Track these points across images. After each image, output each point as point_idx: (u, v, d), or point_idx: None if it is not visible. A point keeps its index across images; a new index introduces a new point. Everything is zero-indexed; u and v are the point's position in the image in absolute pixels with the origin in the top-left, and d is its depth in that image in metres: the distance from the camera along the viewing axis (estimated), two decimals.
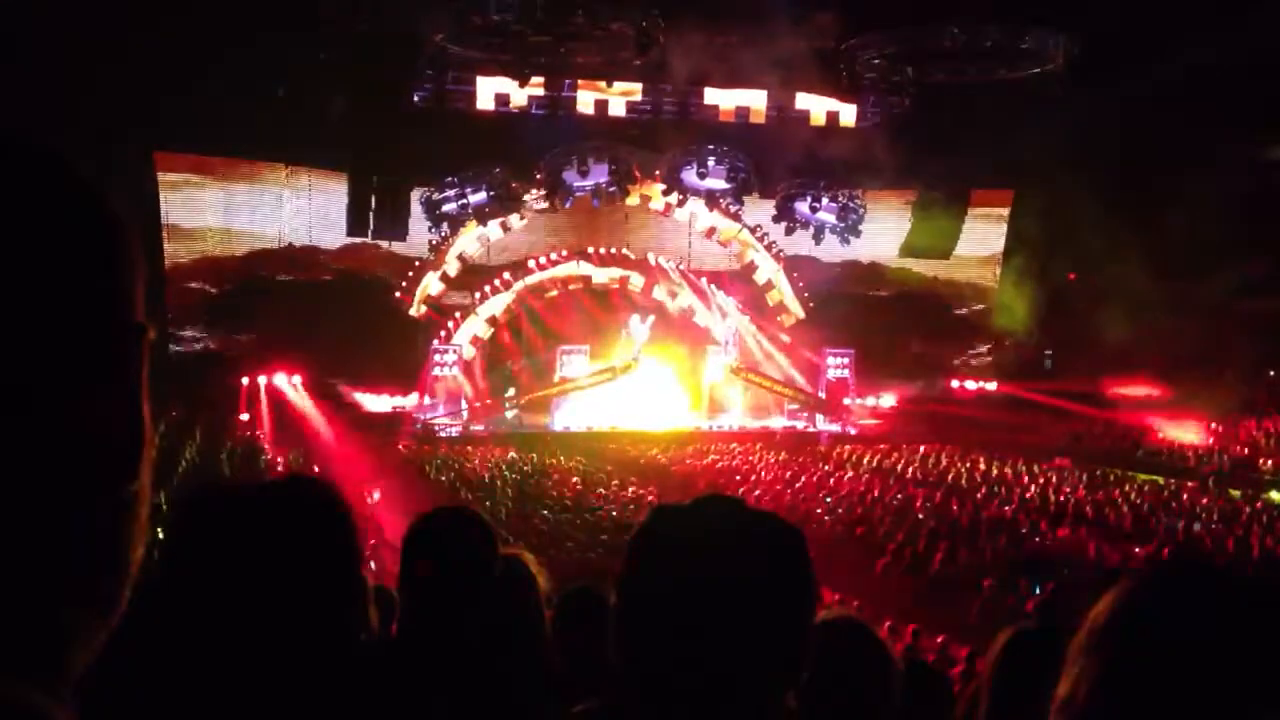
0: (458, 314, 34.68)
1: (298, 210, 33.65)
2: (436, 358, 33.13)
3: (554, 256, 35.38)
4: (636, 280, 35.81)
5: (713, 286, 36.13)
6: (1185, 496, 22.38)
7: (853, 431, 32.68)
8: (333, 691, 1.43)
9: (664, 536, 1.31)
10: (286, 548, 1.38)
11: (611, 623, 1.31)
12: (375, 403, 31.96)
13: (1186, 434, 28.99)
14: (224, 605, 1.33)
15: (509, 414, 32.33)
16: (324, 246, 34.13)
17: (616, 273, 35.82)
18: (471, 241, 34.71)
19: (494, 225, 34.45)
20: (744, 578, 1.25)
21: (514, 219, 34.64)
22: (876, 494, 21.60)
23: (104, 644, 0.59)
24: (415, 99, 32.78)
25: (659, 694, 1.24)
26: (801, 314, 36.25)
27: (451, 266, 34.69)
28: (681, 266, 36.23)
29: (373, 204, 33.15)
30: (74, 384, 0.55)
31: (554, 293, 35.47)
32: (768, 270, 36.53)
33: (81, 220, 0.57)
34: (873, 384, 35.20)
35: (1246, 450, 27.39)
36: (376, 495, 20.63)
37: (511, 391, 32.96)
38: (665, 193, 34.97)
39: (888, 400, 35.06)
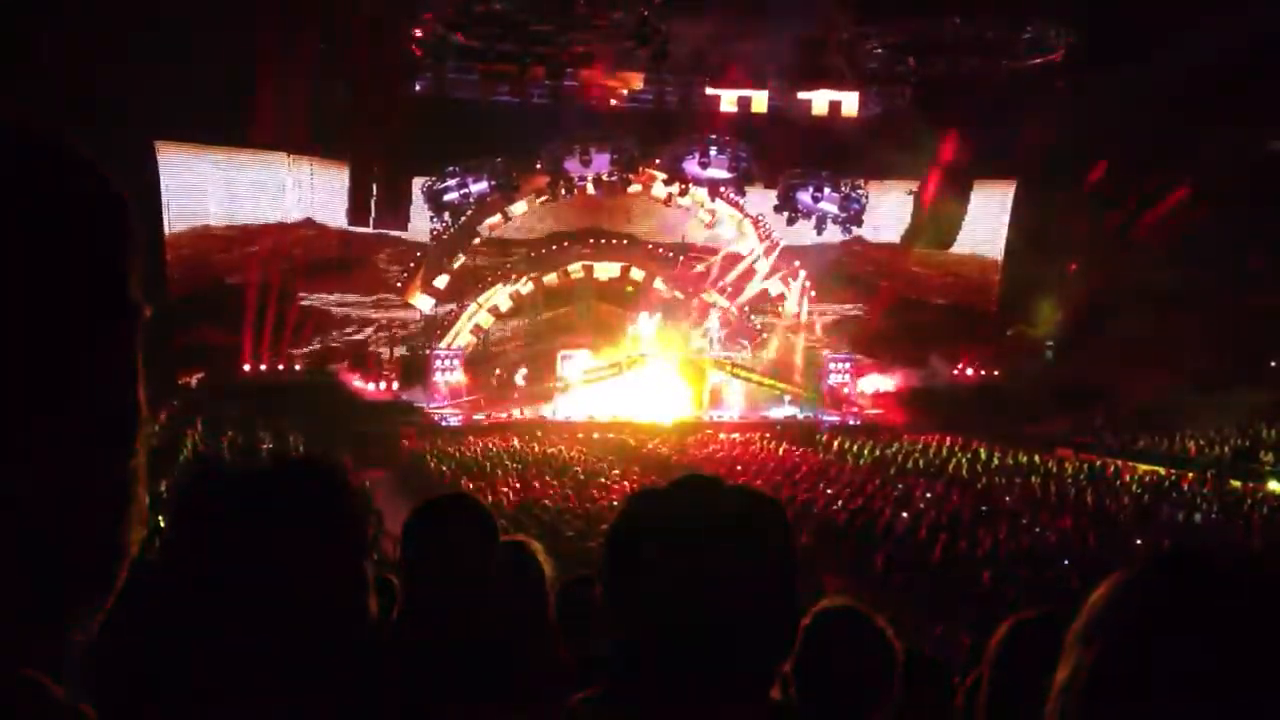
0: (460, 303, 34.70)
1: (299, 199, 33.61)
2: (438, 347, 33.20)
3: (555, 247, 35.37)
4: (638, 271, 35.80)
5: (713, 279, 36.12)
6: (1185, 487, 22.40)
7: (854, 422, 32.71)
8: (334, 678, 1.43)
9: (643, 519, 1.31)
10: (290, 530, 1.37)
11: (600, 609, 1.31)
12: (377, 391, 31.98)
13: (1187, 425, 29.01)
14: (224, 590, 1.33)
15: (515, 410, 32.33)
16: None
17: (619, 263, 35.80)
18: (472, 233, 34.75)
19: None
20: (725, 554, 1.25)
21: (515, 208, 34.64)
22: (877, 484, 21.60)
23: (101, 624, 0.59)
24: (417, 87, 32.74)
25: (652, 676, 1.25)
26: (802, 307, 36.26)
27: (454, 257, 34.69)
28: (683, 257, 36.20)
29: (374, 193, 33.15)
30: (70, 362, 0.55)
31: (554, 278, 35.45)
32: (769, 261, 36.50)
33: (80, 200, 0.57)
34: (873, 370, 35.33)
35: (1247, 441, 27.40)
36: (376, 485, 20.65)
37: (520, 377, 32.95)
38: (666, 182, 34.94)
39: (886, 385, 35.10)
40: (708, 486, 1.33)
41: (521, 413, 32.01)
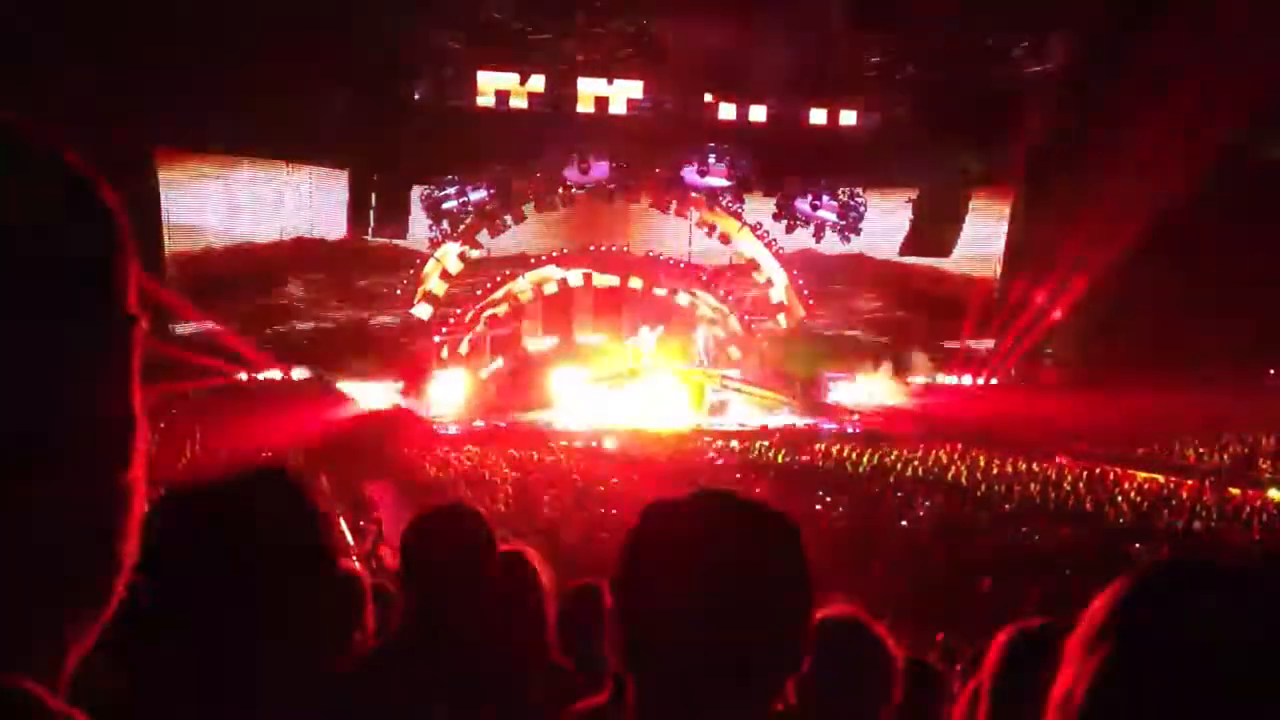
0: (458, 311, 34.70)
1: (299, 207, 33.65)
2: (437, 354, 33.24)
3: (555, 254, 35.40)
4: (636, 280, 35.84)
5: (701, 287, 36.16)
6: (1185, 494, 22.39)
7: (852, 429, 32.69)
8: (310, 689, 1.43)
9: (659, 533, 1.31)
10: (245, 545, 1.37)
11: (610, 622, 1.31)
12: (375, 399, 31.92)
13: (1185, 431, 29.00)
14: (183, 607, 1.33)
15: (514, 415, 32.34)
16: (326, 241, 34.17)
17: (616, 273, 35.85)
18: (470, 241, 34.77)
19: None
20: (740, 569, 1.25)
21: (513, 217, 34.66)
22: (876, 491, 21.61)
23: (98, 636, 0.59)
24: (415, 96, 32.79)
25: (661, 690, 1.25)
26: (802, 312, 36.24)
27: (452, 264, 34.70)
28: (682, 265, 36.24)
29: (373, 202, 33.20)
30: (67, 375, 0.55)
31: (553, 288, 35.50)
32: (769, 268, 36.53)
33: (76, 210, 0.57)
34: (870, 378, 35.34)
35: (1246, 449, 27.39)
36: (375, 494, 20.66)
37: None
38: (665, 191, 34.97)
39: (884, 393, 35.11)
40: (722, 500, 1.34)
41: (520, 420, 32.00)
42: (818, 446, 29.05)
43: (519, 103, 33.92)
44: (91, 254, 0.57)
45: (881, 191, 35.98)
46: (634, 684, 1.27)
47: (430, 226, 34.03)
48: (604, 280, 35.74)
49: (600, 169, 33.86)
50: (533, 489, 21.45)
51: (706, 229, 36.20)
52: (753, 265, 36.64)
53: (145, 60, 24.72)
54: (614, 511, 18.69)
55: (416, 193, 33.67)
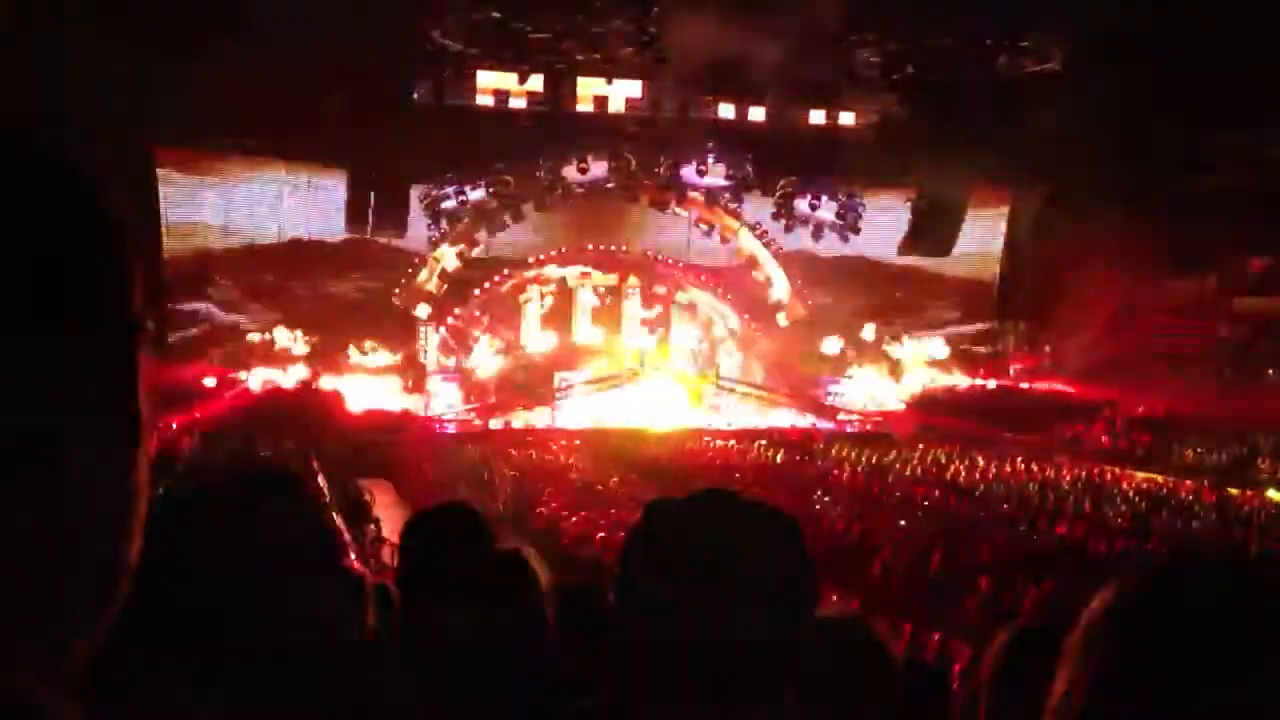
0: (457, 310, 34.67)
1: (297, 206, 33.61)
2: (434, 354, 33.17)
3: (553, 254, 35.38)
4: (635, 279, 35.82)
5: (699, 287, 36.15)
6: (1184, 494, 22.40)
7: (850, 429, 32.69)
8: (309, 688, 1.43)
9: (661, 532, 1.32)
10: (246, 544, 1.37)
11: (612, 620, 1.31)
12: (373, 398, 31.92)
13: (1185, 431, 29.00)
14: (184, 607, 1.33)
15: (510, 414, 32.35)
16: (325, 241, 34.11)
17: (615, 273, 35.84)
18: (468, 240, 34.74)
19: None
20: (741, 569, 1.26)
21: (512, 216, 34.63)
22: (875, 491, 21.60)
23: (105, 637, 0.59)
24: (415, 96, 32.76)
25: (662, 690, 1.25)
26: (801, 311, 36.22)
27: (451, 264, 34.66)
28: (681, 265, 36.23)
29: (371, 201, 33.17)
30: (70, 380, 0.55)
31: (552, 288, 35.50)
32: (768, 268, 36.50)
33: (79, 214, 0.57)
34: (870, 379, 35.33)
35: (1245, 449, 27.40)
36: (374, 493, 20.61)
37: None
38: (663, 190, 34.95)
39: (883, 393, 35.12)
40: (722, 500, 1.34)
41: (519, 420, 32.00)
42: (817, 446, 29.04)
43: (518, 102, 33.91)
44: (94, 257, 0.57)
45: (880, 192, 35.95)
46: (636, 682, 1.27)
47: (429, 226, 33.97)
48: (603, 280, 35.74)
49: (599, 168, 33.84)
50: (532, 489, 21.43)
51: (706, 229, 36.19)
52: (752, 264, 36.61)
53: (145, 60, 24.68)
54: (614, 511, 18.69)
55: (416, 193, 33.62)
